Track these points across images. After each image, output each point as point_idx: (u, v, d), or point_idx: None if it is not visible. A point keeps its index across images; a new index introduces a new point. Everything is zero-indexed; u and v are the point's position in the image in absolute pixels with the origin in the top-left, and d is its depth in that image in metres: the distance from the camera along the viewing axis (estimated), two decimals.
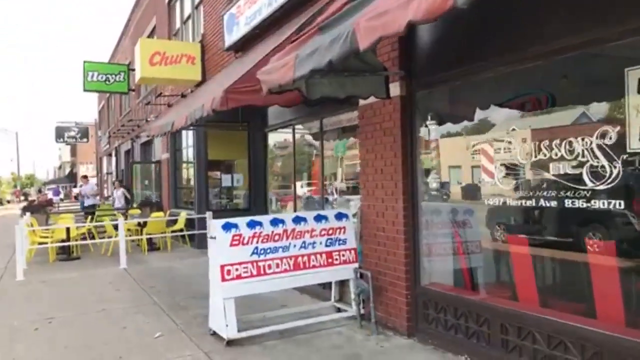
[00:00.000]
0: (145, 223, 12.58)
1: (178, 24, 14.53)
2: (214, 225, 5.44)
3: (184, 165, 15.28)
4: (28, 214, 13.60)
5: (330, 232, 5.99)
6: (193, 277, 8.52)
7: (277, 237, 5.69)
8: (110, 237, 12.36)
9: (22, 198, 61.40)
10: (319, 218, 5.95)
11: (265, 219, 5.72)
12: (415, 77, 5.32)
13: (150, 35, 18.02)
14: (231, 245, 5.42)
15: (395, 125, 5.42)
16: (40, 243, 11.31)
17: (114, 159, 28.69)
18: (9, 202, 56.26)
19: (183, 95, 13.50)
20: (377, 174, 5.70)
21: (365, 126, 5.91)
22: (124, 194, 17.58)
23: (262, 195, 12.87)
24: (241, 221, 5.57)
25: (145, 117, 18.33)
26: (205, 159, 12.78)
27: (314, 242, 5.88)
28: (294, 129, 7.99)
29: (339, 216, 6.08)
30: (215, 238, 5.41)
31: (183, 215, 13.35)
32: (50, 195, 40.30)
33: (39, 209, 16.77)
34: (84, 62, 20.19)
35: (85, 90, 20.63)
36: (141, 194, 19.52)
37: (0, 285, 8.64)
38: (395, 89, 5.36)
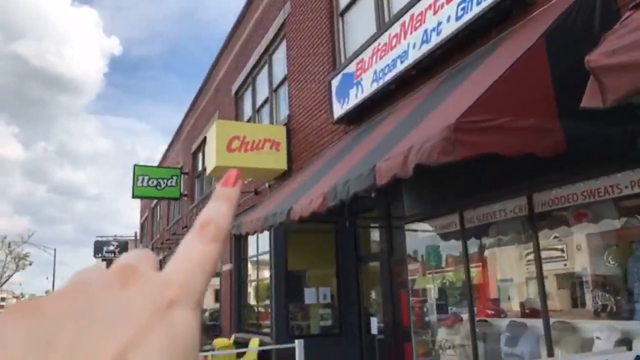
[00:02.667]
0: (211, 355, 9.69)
1: (249, 113, 12.72)
2: None
3: (250, 278, 12.65)
4: None
5: None
6: None
7: None
8: None
9: None
10: None
11: None
12: None
13: None
14: None
15: None
16: None
17: None
18: None
19: (256, 193, 11.26)
20: None
21: None
22: None
23: (355, 315, 10.03)
24: None
25: None
26: (285, 268, 10.18)
27: None
28: (461, 217, 5.36)
29: None
30: None
31: (254, 343, 10.46)
32: None
33: None
34: (135, 165, 18.65)
35: (134, 196, 18.86)
36: None
37: None
38: None
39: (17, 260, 24.27)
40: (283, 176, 9.84)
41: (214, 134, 9.15)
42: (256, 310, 12.24)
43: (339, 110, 7.18)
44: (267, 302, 11.36)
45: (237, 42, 13.74)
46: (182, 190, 18.99)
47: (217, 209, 0.36)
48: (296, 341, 8.46)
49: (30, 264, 24.77)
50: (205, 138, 11.69)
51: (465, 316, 5.73)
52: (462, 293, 5.77)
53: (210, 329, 14.43)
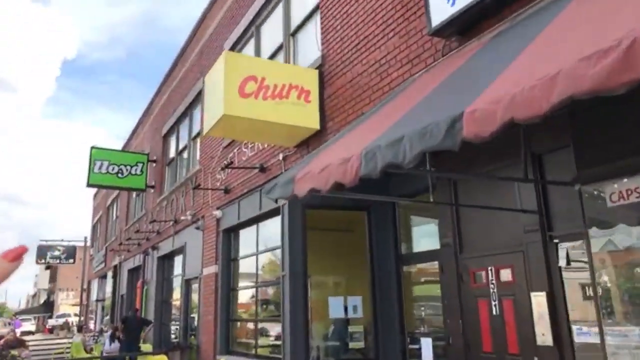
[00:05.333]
0: None
1: None
2: None
3: (243, 283, 9.74)
4: None
5: None
6: None
7: None
8: None
9: None
10: None
11: None
12: None
13: (189, 109, 13.42)
14: None
15: None
16: None
17: (109, 281, 22.69)
18: None
19: (262, 169, 8.45)
20: None
21: None
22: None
23: (397, 334, 7.36)
24: None
25: (173, 218, 13.03)
26: (304, 270, 7.42)
27: None
28: None
29: None
30: None
31: None
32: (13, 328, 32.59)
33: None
34: (92, 148, 15.33)
35: (89, 184, 15.47)
36: (159, 330, 13.47)
37: None
38: None
39: None
40: (309, 140, 7.12)
41: (221, 71, 6.34)
42: (248, 327, 9.33)
43: (444, 11, 4.54)
44: (268, 314, 8.51)
45: None
46: (147, 181, 15.84)
47: None
48: None
49: None
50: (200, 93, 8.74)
51: None
52: None
53: (182, 348, 11.36)
